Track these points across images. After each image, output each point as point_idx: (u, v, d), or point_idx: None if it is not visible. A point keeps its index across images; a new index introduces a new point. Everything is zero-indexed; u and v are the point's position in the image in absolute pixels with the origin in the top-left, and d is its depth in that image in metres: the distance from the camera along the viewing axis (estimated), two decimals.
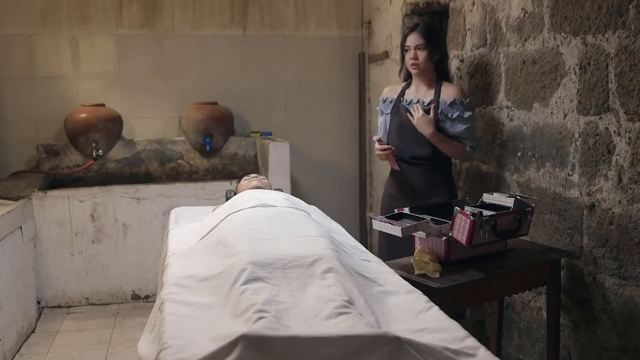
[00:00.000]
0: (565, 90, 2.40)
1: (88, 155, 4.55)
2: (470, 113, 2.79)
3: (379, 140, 2.94)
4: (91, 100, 4.65)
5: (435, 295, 1.92)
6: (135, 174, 4.73)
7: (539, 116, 2.59)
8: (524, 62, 2.67)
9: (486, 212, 2.21)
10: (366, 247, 2.39)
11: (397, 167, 2.95)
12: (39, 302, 4.04)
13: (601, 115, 2.22)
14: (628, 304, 2.16)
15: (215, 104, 4.78)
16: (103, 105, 4.61)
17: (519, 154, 2.76)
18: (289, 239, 2.02)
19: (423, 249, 2.23)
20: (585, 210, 2.34)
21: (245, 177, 3.04)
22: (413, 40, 2.81)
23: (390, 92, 3.04)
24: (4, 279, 3.35)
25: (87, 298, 4.16)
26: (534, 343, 2.73)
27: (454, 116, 2.76)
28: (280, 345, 1.33)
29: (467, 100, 2.79)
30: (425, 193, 2.85)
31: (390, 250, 2.76)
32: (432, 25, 2.93)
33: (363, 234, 5.21)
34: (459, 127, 2.76)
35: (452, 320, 1.59)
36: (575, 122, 2.36)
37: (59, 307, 4.11)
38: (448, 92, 2.79)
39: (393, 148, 2.91)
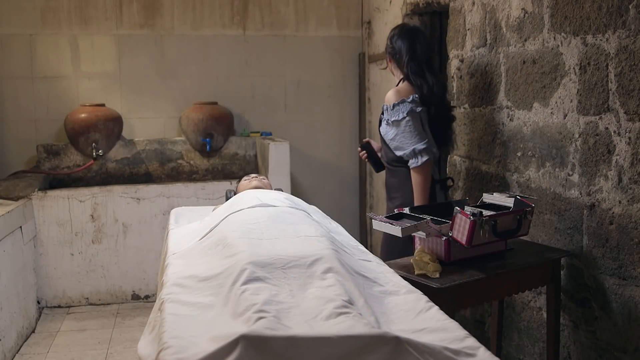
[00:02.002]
0: (565, 90, 2.40)
1: (88, 155, 4.55)
2: (395, 118, 2.69)
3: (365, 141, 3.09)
4: (91, 100, 4.66)
5: (435, 295, 1.92)
6: (135, 174, 4.73)
7: (539, 116, 2.59)
8: (524, 62, 2.67)
9: (486, 212, 2.21)
10: (366, 247, 2.39)
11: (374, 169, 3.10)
12: (39, 302, 4.04)
13: (601, 115, 2.21)
14: (628, 304, 2.16)
15: (215, 104, 4.78)
16: (103, 105, 4.61)
17: (519, 154, 2.76)
18: (289, 239, 2.02)
19: (423, 249, 2.23)
20: (585, 210, 2.34)
21: (245, 177, 3.05)
22: None
23: None
24: (4, 279, 3.35)
25: (87, 298, 4.16)
26: (534, 343, 2.73)
27: (383, 121, 2.79)
28: (280, 346, 1.33)
29: (396, 103, 2.70)
30: (390, 195, 2.92)
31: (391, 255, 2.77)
32: (396, 31, 2.88)
33: (363, 234, 5.21)
34: (389, 134, 2.76)
35: (452, 320, 1.59)
36: (575, 122, 2.36)
37: (59, 307, 4.12)
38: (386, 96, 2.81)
39: (364, 152, 3.02)
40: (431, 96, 2.74)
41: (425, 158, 2.67)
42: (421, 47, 2.79)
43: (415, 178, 2.72)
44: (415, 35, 2.82)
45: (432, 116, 2.79)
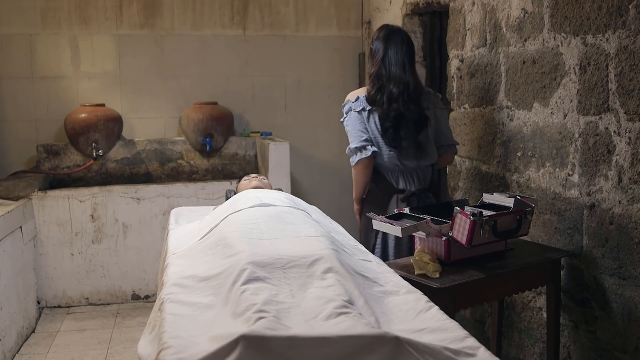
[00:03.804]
0: (565, 90, 2.40)
1: (88, 155, 4.55)
2: (341, 119, 2.80)
3: None
4: (91, 100, 4.66)
5: (435, 295, 1.92)
6: (135, 174, 4.73)
7: (539, 116, 2.59)
8: (524, 62, 2.67)
9: (486, 212, 2.21)
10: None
11: None
12: (39, 302, 4.04)
13: (601, 115, 2.22)
14: (628, 304, 2.16)
15: (215, 104, 4.78)
16: (103, 105, 4.61)
17: (519, 154, 2.76)
18: (289, 239, 2.02)
19: (423, 249, 2.23)
20: (585, 210, 2.34)
21: (245, 177, 3.05)
22: None
23: None
24: (4, 279, 3.35)
25: (87, 298, 4.16)
26: (534, 343, 2.73)
27: None
28: (280, 346, 1.33)
29: (343, 105, 2.80)
30: None
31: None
32: (375, 32, 2.87)
33: None
34: None
35: (452, 320, 1.59)
36: (575, 122, 2.36)
37: (59, 307, 4.11)
38: None
39: None
40: (379, 98, 2.67)
41: (357, 158, 2.68)
42: (394, 50, 2.71)
43: (357, 171, 2.76)
44: (389, 37, 2.74)
45: (393, 118, 2.66)
